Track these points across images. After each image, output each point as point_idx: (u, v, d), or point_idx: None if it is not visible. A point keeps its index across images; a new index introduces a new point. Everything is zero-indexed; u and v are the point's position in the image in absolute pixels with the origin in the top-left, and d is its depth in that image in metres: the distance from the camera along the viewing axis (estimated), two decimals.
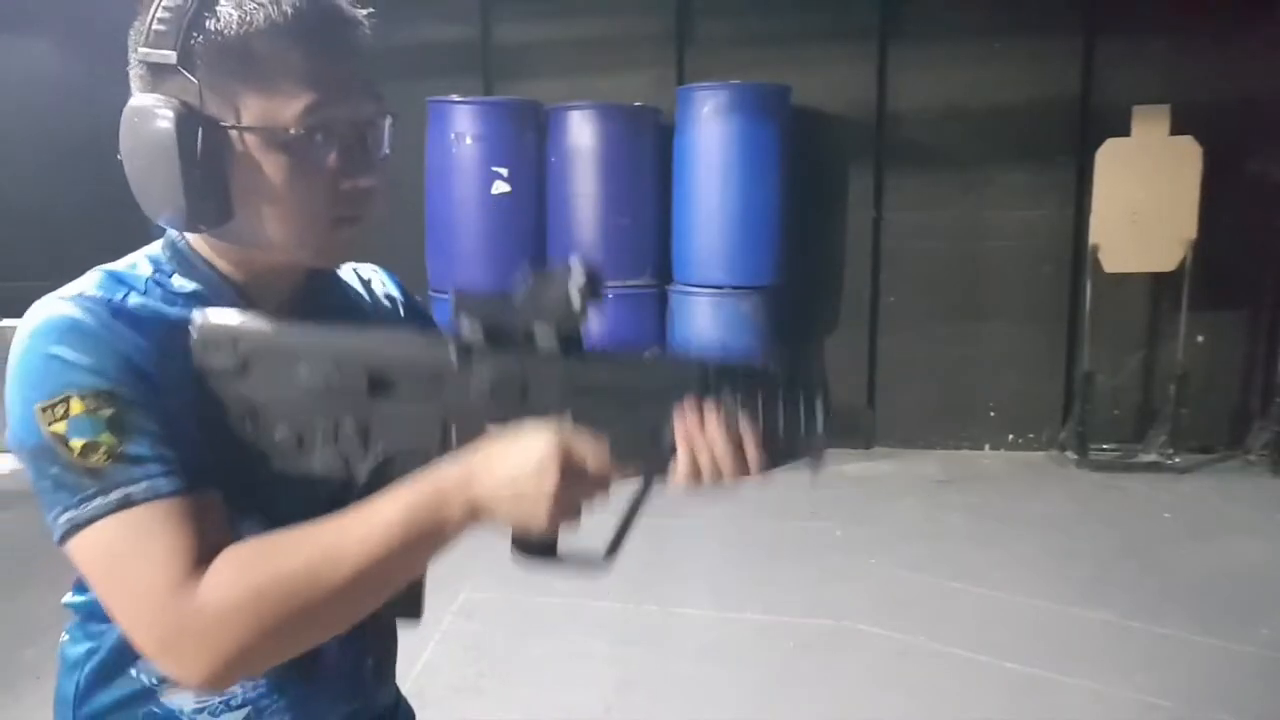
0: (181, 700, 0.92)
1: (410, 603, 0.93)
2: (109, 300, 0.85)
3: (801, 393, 0.87)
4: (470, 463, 0.84)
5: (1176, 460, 5.01)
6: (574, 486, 0.83)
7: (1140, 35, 4.97)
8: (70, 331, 0.81)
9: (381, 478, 0.88)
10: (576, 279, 0.85)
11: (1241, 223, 4.89)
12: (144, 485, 0.80)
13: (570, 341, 0.87)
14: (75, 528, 0.80)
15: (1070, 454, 5.20)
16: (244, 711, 0.93)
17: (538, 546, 0.89)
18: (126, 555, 0.80)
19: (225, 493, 0.85)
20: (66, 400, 0.79)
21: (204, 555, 0.80)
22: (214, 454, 0.86)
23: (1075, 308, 5.20)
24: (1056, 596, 3.54)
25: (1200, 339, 5.08)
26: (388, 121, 0.93)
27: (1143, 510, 4.51)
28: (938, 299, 5.32)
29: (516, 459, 0.83)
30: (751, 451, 0.86)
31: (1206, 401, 5.12)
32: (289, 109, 0.86)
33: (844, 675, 3.06)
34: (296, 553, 0.81)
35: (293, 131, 0.86)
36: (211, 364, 0.87)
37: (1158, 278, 5.00)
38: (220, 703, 0.93)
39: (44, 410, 0.80)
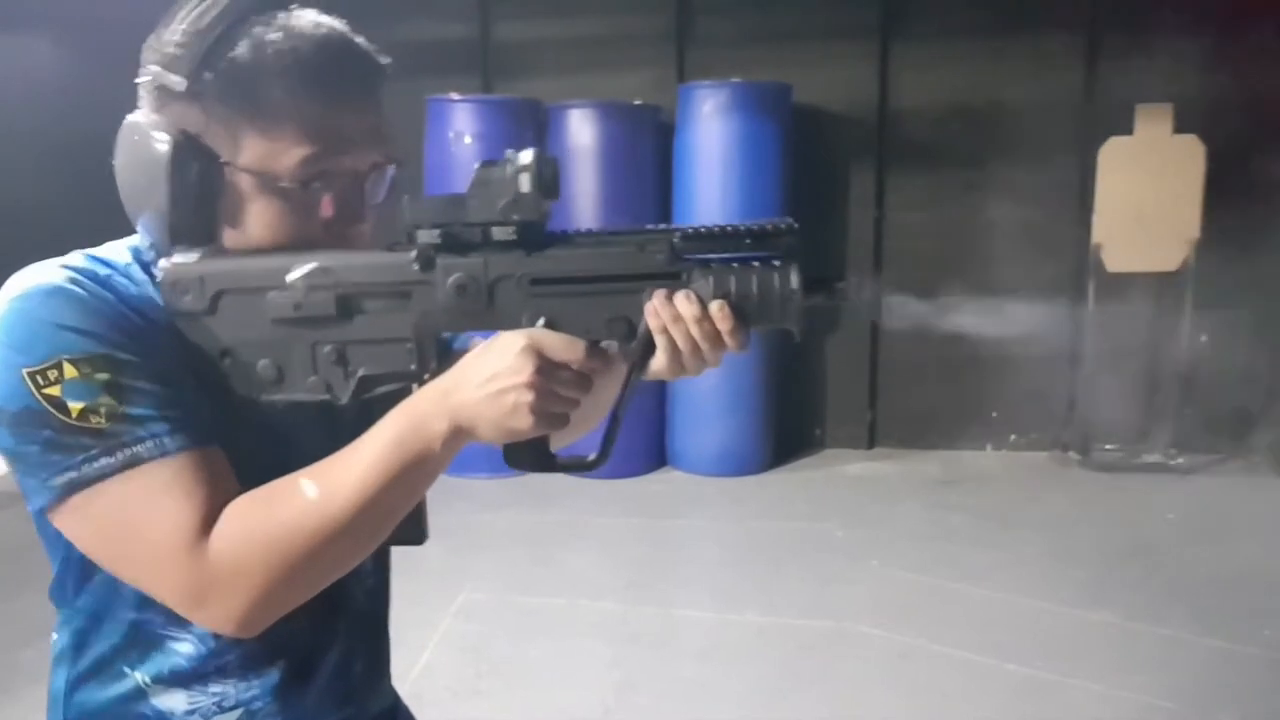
0: (173, 702, 0.92)
1: (413, 527, 0.92)
2: (95, 273, 0.86)
3: (773, 252, 0.85)
4: (446, 377, 0.84)
5: (1180, 461, 4.99)
6: (551, 378, 0.82)
7: (1143, 34, 4.94)
8: (57, 296, 0.81)
9: (364, 398, 0.88)
10: (522, 162, 0.83)
11: (1245, 222, 4.85)
12: (150, 444, 0.80)
13: (529, 229, 0.85)
14: (75, 488, 0.80)
15: (1073, 454, 5.19)
16: (236, 713, 0.93)
17: (529, 452, 0.88)
18: (140, 514, 0.80)
19: (226, 440, 0.85)
20: (59, 365, 0.79)
21: (215, 509, 0.81)
22: (208, 407, 0.86)
23: (1078, 307, 5.18)
24: (1058, 597, 3.53)
25: (1204, 339, 5.06)
26: (390, 170, 0.92)
27: (1145, 511, 4.49)
28: (939, 298, 5.30)
29: (490, 360, 0.82)
30: (726, 324, 0.83)
31: (1210, 402, 5.10)
32: (288, 157, 0.86)
33: (845, 677, 3.04)
34: (300, 496, 0.82)
35: (285, 183, 0.86)
36: (182, 307, 0.87)
37: (1161, 277, 4.98)
38: (212, 704, 0.92)
39: (33, 375, 0.79)
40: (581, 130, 4.95)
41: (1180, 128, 4.69)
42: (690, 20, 5.37)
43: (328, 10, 0.91)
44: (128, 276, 0.88)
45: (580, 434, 1.01)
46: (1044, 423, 5.37)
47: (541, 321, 0.86)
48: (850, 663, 3.12)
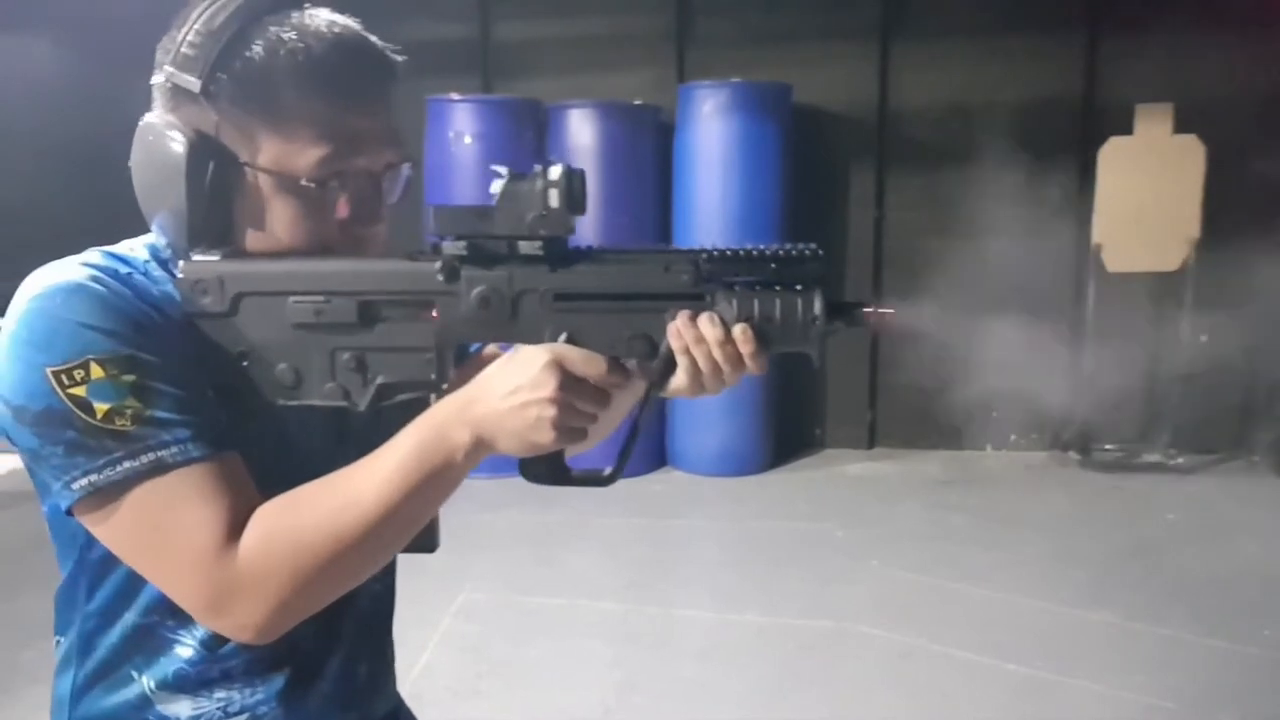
0: (178, 708, 0.91)
1: (426, 535, 0.92)
2: (115, 270, 0.85)
3: (797, 278, 0.85)
4: (469, 388, 0.84)
5: (1180, 461, 5.00)
6: (573, 393, 0.82)
7: (1143, 34, 4.95)
8: (79, 294, 0.81)
9: (383, 406, 0.88)
10: (552, 177, 0.83)
11: (1245, 222, 4.85)
12: (174, 450, 0.80)
13: (555, 244, 0.85)
14: (97, 490, 0.79)
15: (1073, 454, 5.19)
16: (242, 718, 0.93)
17: (546, 466, 0.89)
18: (164, 520, 0.80)
19: (239, 443, 0.85)
20: (85, 364, 0.79)
21: (238, 516, 0.81)
22: (226, 410, 0.86)
23: (1078, 307, 5.18)
24: (1059, 598, 3.53)
25: (1204, 339, 5.06)
26: (405, 169, 0.93)
27: (1145, 511, 4.49)
28: (939, 299, 5.30)
29: (513, 373, 0.82)
30: (748, 347, 0.84)
31: (1210, 402, 5.09)
32: (304, 158, 0.86)
33: (845, 677, 3.04)
34: (322, 505, 0.82)
35: (304, 182, 0.86)
36: (202, 308, 0.87)
37: (1161, 277, 4.98)
38: (217, 710, 0.92)
39: (59, 374, 0.79)
40: (581, 130, 4.95)
41: (1180, 128, 4.69)
42: (690, 20, 5.37)
43: (336, 10, 0.91)
44: (147, 275, 0.88)
45: (588, 447, 1.02)
46: (1044, 423, 5.37)
47: (564, 337, 0.86)
48: (850, 663, 3.12)
